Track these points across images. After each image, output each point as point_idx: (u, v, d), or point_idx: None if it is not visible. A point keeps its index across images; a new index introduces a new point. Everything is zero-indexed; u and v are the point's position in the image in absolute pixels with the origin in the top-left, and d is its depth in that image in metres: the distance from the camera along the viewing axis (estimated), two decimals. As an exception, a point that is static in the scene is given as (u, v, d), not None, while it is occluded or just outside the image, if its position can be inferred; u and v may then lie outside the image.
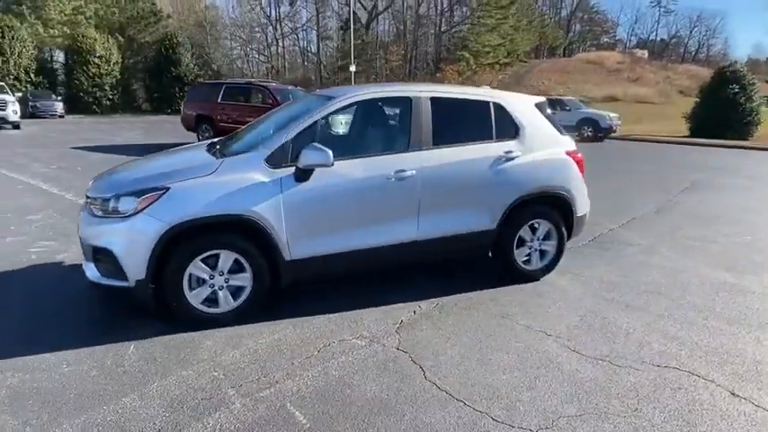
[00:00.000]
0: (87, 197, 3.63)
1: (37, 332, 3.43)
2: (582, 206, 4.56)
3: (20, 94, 23.55)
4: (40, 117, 26.10)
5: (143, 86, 36.18)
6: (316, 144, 3.50)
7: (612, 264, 4.99)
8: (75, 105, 30.37)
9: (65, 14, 32.62)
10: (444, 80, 39.46)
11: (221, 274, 3.50)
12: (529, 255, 4.45)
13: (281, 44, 53.23)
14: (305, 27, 53.71)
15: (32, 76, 30.10)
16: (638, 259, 5.16)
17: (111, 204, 3.39)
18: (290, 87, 15.56)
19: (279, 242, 3.55)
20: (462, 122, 4.23)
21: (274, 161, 3.55)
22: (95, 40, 31.62)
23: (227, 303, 3.56)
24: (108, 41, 32.56)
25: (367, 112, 4.32)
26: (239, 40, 50.07)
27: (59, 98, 28.10)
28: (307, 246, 3.66)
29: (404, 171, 3.84)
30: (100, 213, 3.45)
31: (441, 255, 4.28)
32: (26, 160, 11.18)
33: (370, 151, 3.96)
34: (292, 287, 4.03)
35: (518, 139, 4.27)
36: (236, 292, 3.57)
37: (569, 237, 4.63)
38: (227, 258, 3.49)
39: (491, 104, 4.26)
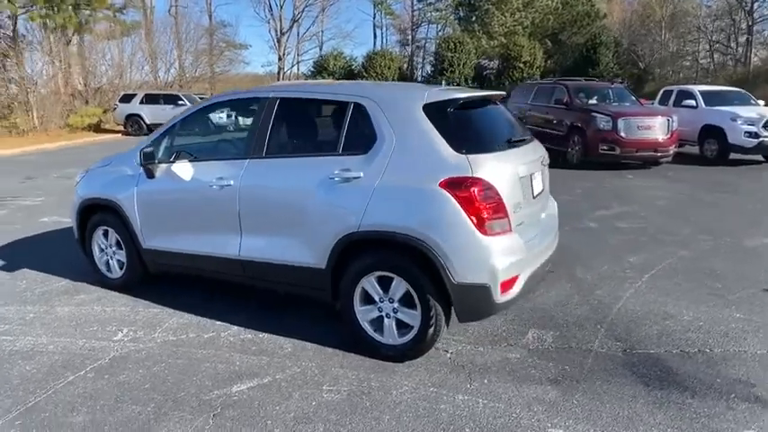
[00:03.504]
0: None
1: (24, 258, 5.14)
2: (468, 269, 2.79)
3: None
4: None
5: (561, 88, 37.15)
6: (146, 143, 3.72)
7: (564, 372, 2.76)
8: (497, 107, 34.44)
9: (505, 27, 37.06)
10: None
11: (110, 247, 4.26)
12: (380, 319, 3.12)
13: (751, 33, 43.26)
14: (793, 5, 41.69)
15: (470, 82, 35.91)
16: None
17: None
18: (599, 84, 13.30)
19: (136, 229, 4.00)
20: (308, 129, 3.38)
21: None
22: (523, 47, 34.65)
23: (115, 272, 4.30)
24: (535, 48, 35.06)
25: (235, 115, 3.97)
26: (702, 32, 43.61)
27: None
28: (154, 238, 3.94)
29: (222, 179, 3.50)
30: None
31: (271, 284, 3.58)
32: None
33: (216, 155, 3.75)
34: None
35: (368, 155, 3.04)
36: (121, 264, 4.25)
37: (464, 317, 2.95)
38: (112, 235, 4.21)
39: (350, 106, 3.18)
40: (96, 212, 4.26)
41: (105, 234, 4.26)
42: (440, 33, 45.53)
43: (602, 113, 10.31)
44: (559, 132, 11.37)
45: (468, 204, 2.76)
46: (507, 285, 2.86)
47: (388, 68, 38.36)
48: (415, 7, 46.23)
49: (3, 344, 3.40)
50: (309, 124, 3.44)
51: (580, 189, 8.51)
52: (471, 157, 2.84)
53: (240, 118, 4.45)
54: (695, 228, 6.03)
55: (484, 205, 2.77)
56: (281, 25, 43.84)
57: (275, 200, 3.35)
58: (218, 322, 3.68)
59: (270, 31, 46.00)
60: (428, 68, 41.71)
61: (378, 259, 3.03)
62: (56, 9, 17.99)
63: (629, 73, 34.92)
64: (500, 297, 2.84)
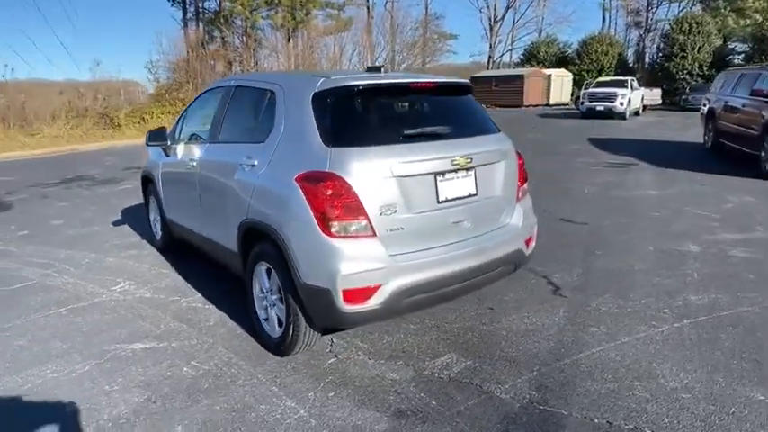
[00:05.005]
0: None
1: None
2: (312, 271, 2.61)
3: (640, 90, 24.63)
4: (689, 110, 26.58)
5: None
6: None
7: None
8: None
9: (764, 1, 29.80)
10: None
11: (156, 212, 5.03)
12: (266, 310, 3.11)
13: None
14: None
15: (705, 69, 30.20)
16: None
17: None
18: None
19: (162, 200, 4.67)
20: (243, 116, 3.47)
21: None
22: (785, 24, 27.60)
23: (158, 235, 5.07)
24: (805, 24, 27.60)
25: (214, 102, 4.07)
26: None
27: (714, 91, 27.24)
28: (170, 210, 4.55)
29: (193, 161, 3.86)
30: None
31: (221, 261, 3.76)
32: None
33: (196, 140, 4.06)
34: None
35: (265, 143, 3.03)
36: (161, 228, 5.00)
37: (315, 321, 2.78)
38: (155, 203, 4.98)
39: (267, 94, 3.19)
40: (149, 183, 5.08)
41: (153, 202, 5.06)
42: (681, 14, 39.23)
43: (808, 108, 7.78)
44: (752, 132, 8.95)
45: (315, 201, 2.55)
46: (356, 295, 2.56)
47: (606, 54, 34.81)
48: (653, -15, 40.64)
49: (46, 279, 4.38)
50: (245, 111, 3.51)
51: (733, 203, 6.66)
52: (334, 150, 2.61)
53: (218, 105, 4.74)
54: None
55: (331, 204, 2.53)
56: (494, 13, 43.22)
57: (212, 183, 3.57)
58: (193, 290, 4.08)
59: (481, 20, 45.84)
60: (656, 54, 36.47)
61: (261, 250, 3.01)
62: (275, 11, 21.34)
63: None
64: (345, 306, 2.56)
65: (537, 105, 32.97)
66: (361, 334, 3.29)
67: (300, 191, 2.60)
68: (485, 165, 2.99)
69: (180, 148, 4.18)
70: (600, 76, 33.87)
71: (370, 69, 3.21)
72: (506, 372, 2.87)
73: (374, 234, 2.59)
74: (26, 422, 2.53)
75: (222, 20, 22.47)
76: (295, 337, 2.85)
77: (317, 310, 2.68)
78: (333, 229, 2.54)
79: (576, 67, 35.33)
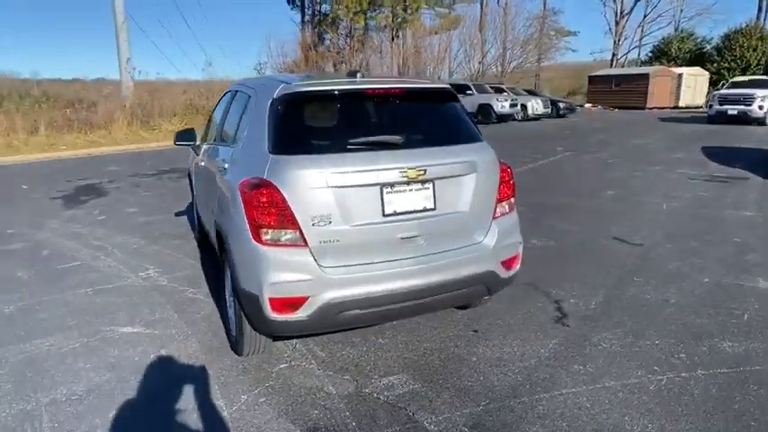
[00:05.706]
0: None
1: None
2: (245, 276, 2.65)
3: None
4: None
5: None
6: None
7: None
8: None
9: None
10: None
11: (195, 211, 5.41)
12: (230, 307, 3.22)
13: None
14: None
15: None
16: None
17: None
18: None
19: (194, 195, 5.01)
20: (232, 119, 3.57)
21: (205, 137, 4.91)
22: None
23: (195, 227, 5.45)
24: None
25: (224, 104, 4.15)
26: None
27: None
28: (198, 203, 4.86)
29: (203, 160, 4.09)
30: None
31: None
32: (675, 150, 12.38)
33: (208, 140, 4.27)
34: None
35: (235, 148, 3.13)
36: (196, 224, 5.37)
37: (253, 326, 2.80)
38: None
39: (246, 99, 3.28)
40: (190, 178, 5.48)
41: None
42: None
43: None
44: None
45: (248, 208, 2.58)
46: (283, 305, 2.54)
47: (754, 50, 30.74)
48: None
49: (92, 261, 4.91)
50: (234, 115, 3.54)
51: None
52: (273, 157, 2.61)
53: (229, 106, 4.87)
54: None
55: (262, 211, 2.53)
56: (621, 6, 39.94)
57: (207, 182, 3.76)
58: (204, 282, 4.33)
59: (605, 15, 42.60)
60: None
61: (225, 251, 3.10)
62: (379, 12, 21.78)
63: None
64: (272, 315, 2.56)
65: (664, 108, 30.03)
66: (324, 342, 3.26)
67: (240, 198, 2.65)
68: (447, 177, 2.79)
69: (203, 147, 4.45)
70: (744, 75, 29.90)
71: (349, 74, 3.16)
72: (449, 402, 2.67)
73: (305, 245, 2.55)
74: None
75: (330, 21, 23.52)
76: (240, 338, 2.90)
77: (250, 315, 2.71)
78: (263, 237, 2.55)
79: (715, 65, 31.59)
